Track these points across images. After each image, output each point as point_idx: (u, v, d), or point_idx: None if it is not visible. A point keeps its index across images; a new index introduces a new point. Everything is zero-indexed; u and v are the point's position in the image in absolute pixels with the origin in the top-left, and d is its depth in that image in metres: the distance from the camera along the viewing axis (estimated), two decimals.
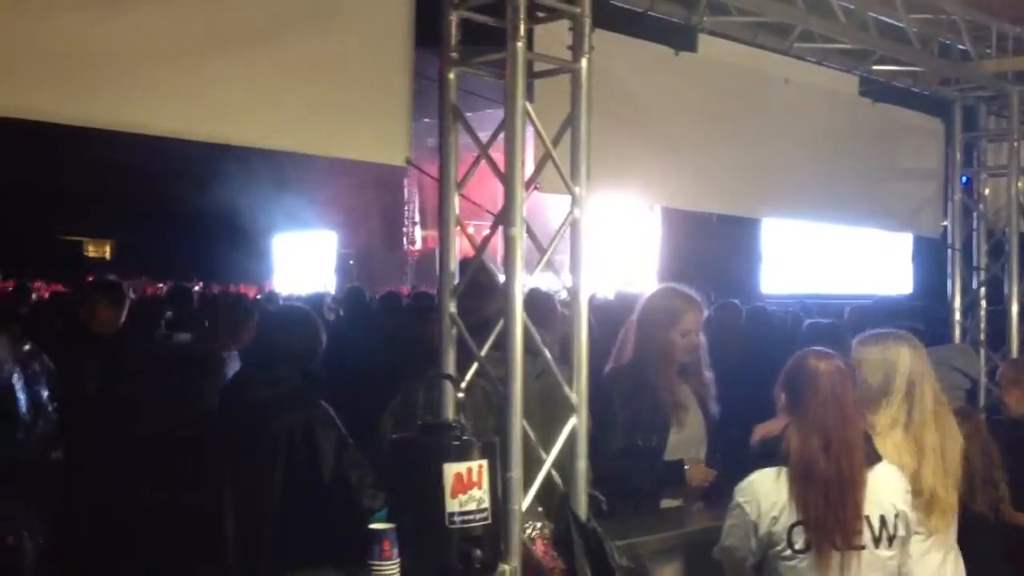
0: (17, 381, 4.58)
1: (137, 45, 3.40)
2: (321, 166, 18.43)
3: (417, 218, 25.91)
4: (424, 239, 26.00)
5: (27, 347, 4.75)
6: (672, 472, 4.16)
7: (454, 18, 3.75)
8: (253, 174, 19.79)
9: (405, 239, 25.91)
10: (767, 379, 3.43)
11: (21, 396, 4.57)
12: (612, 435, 4.08)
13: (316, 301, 11.17)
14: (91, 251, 28.19)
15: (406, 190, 25.56)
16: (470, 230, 3.77)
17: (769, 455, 3.25)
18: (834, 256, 18.59)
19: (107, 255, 28.38)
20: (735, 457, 4.29)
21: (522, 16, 3.47)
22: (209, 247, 23.09)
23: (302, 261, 28.00)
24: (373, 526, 3.22)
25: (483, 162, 3.74)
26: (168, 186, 21.33)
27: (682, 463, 4.16)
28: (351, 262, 25.67)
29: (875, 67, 5.75)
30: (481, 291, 3.84)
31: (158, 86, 3.43)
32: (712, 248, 15.07)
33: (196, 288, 14.88)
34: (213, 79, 3.51)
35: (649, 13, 4.55)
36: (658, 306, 4.30)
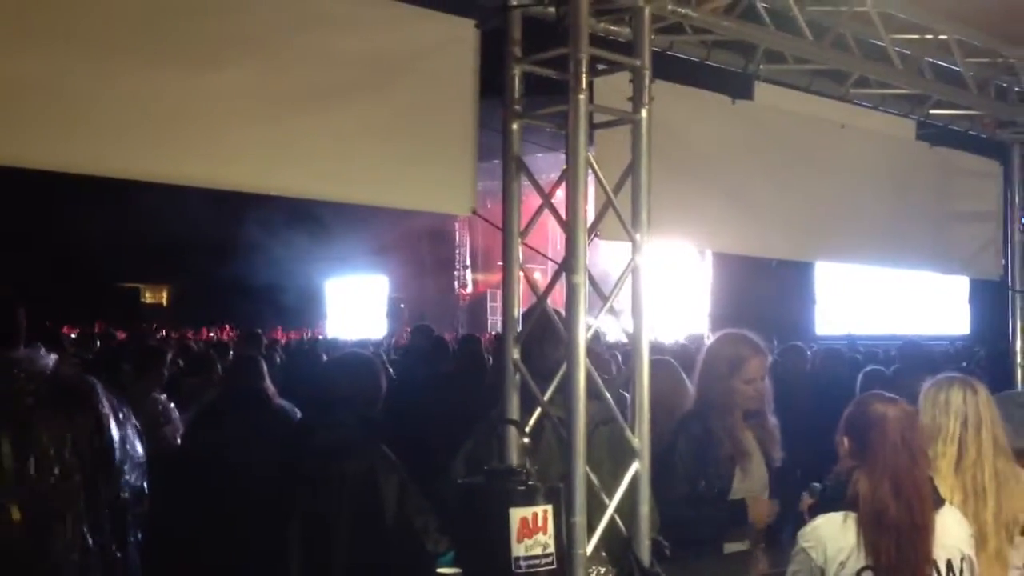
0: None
1: (215, 103, 3.52)
2: (372, 211, 18.66)
3: (468, 262, 26.13)
4: (475, 283, 26.17)
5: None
6: (735, 512, 4.14)
7: (517, 72, 3.85)
8: (304, 219, 20.12)
9: (456, 283, 26.13)
10: (835, 423, 3.43)
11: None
12: (676, 481, 4.08)
13: (363, 345, 11.28)
14: (148, 298, 28.75)
15: (457, 234, 25.81)
16: (536, 275, 3.81)
17: (833, 500, 3.25)
18: (889, 297, 18.43)
19: (163, 301, 28.91)
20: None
21: (584, 70, 3.56)
22: (262, 293, 23.42)
23: (353, 306, 28.29)
24: (441, 570, 3.27)
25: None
26: (221, 233, 21.73)
27: (744, 502, 4.14)
28: (402, 306, 25.87)
29: (932, 111, 5.75)
30: (546, 337, 3.88)
31: (235, 142, 3.55)
32: (765, 291, 15.01)
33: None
34: (287, 135, 3.62)
35: (706, 63, 4.62)
36: (722, 353, 4.29)
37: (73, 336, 11.49)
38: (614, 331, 7.85)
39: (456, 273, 26.25)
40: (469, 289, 26.35)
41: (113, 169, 3.53)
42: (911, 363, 6.60)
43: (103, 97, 3.36)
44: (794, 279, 16.64)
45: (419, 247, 23.98)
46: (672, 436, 4.16)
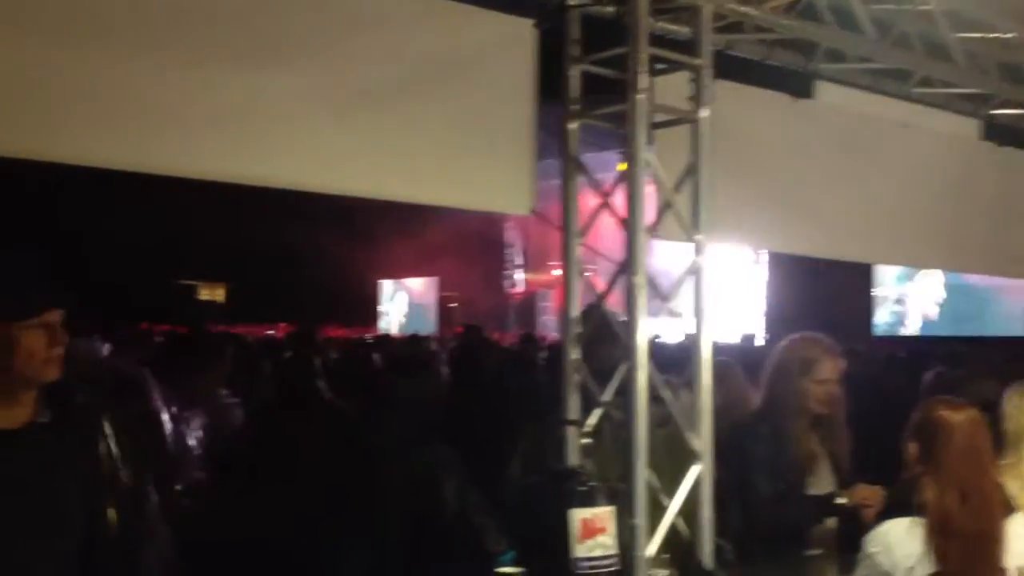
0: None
1: (276, 103, 3.56)
2: (422, 212, 18.76)
3: (518, 262, 26.13)
4: (525, 283, 26.17)
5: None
6: (823, 506, 4.03)
7: (575, 71, 3.85)
8: (357, 219, 20.27)
9: (506, 283, 26.14)
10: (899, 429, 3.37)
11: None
12: (757, 482, 3.98)
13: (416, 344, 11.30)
14: (205, 294, 29.17)
15: (508, 235, 25.83)
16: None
17: (900, 505, 3.20)
18: (950, 296, 18.15)
19: (221, 298, 29.31)
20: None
21: (643, 69, 3.54)
22: (316, 291, 23.66)
23: (404, 305, 28.47)
24: (503, 570, 3.28)
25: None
26: (276, 232, 21.98)
27: (832, 495, 4.01)
28: (452, 305, 25.96)
29: (996, 111, 5.64)
30: (605, 337, 3.87)
31: (297, 142, 3.59)
32: (822, 291, 14.83)
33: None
34: (348, 135, 3.65)
35: (766, 62, 4.58)
36: (794, 354, 4.19)
37: (133, 331, 11.64)
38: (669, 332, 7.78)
39: (506, 273, 26.27)
40: (519, 289, 26.36)
41: (177, 168, 3.58)
42: (976, 366, 6.46)
43: (167, 97, 3.41)
44: (852, 279, 16.38)
45: (469, 247, 24.02)
46: (739, 438, 4.08)
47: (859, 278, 17.22)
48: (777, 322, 16.39)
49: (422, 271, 26.88)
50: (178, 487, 4.70)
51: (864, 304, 17.82)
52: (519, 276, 26.21)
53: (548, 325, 24.54)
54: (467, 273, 24.34)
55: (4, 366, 2.43)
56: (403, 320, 28.26)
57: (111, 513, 2.67)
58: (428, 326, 24.72)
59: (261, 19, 3.56)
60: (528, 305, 25.66)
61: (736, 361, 5.05)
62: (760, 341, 14.94)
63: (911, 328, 18.31)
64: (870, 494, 3.84)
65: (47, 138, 3.26)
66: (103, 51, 3.28)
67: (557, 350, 4.71)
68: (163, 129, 3.43)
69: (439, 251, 23.73)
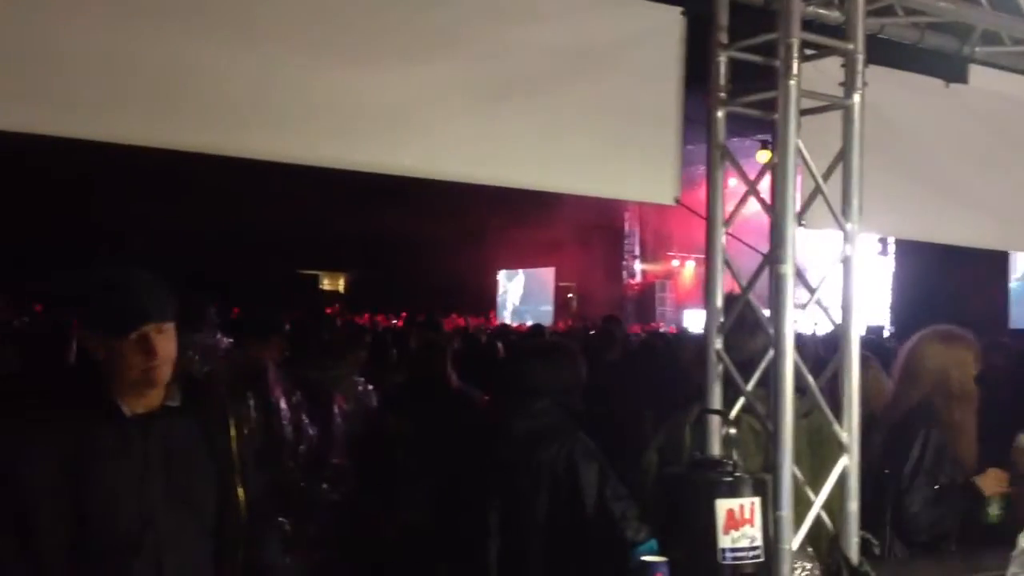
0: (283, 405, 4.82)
1: (424, 95, 3.62)
2: (541, 201, 18.79)
3: (637, 252, 26.01)
4: (643, 273, 26.04)
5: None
6: (968, 495, 3.99)
7: (723, 58, 3.80)
8: (475, 209, 20.46)
9: (625, 273, 26.05)
10: None
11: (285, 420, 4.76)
12: (920, 481, 3.95)
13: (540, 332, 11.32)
14: (327, 284, 29.85)
15: (627, 225, 25.73)
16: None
17: None
18: None
19: (340, 288, 29.94)
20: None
21: (795, 55, 3.48)
22: (435, 281, 23.97)
23: (523, 296, 28.61)
24: (646, 558, 3.28)
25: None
26: (395, 221, 22.33)
27: (972, 483, 3.97)
28: (570, 295, 25.99)
29: None
30: (746, 327, 3.83)
31: (445, 133, 3.65)
32: (953, 282, 14.31)
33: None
34: (495, 126, 3.69)
35: (919, 45, 4.44)
36: (937, 348, 4.16)
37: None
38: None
39: (624, 263, 26.16)
40: (637, 279, 26.22)
41: (325, 158, 3.66)
42: None
43: (317, 91, 3.50)
44: (985, 270, 15.76)
45: (588, 237, 24.01)
46: (898, 434, 4.02)
47: (994, 270, 16.56)
48: (905, 314, 15.90)
49: (540, 261, 26.97)
50: (294, 474, 4.80)
51: (1000, 296, 17.12)
52: (637, 267, 26.10)
53: (666, 316, 24.38)
54: (585, 262, 24.34)
55: (120, 376, 2.59)
56: (516, 305, 28.39)
57: (240, 493, 2.78)
58: (544, 316, 24.81)
59: (410, 14, 3.61)
60: (647, 296, 25.52)
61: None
62: (886, 333, 14.55)
63: None
64: (998, 479, 3.94)
65: (181, 128, 3.34)
66: (252, 48, 3.36)
67: (685, 340, 4.66)
68: (309, 120, 3.52)
69: (557, 240, 23.80)
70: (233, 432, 2.80)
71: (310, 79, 3.48)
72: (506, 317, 26.82)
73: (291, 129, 3.51)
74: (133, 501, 2.57)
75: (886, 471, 3.98)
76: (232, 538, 2.77)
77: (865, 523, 3.63)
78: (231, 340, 4.82)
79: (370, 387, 5.84)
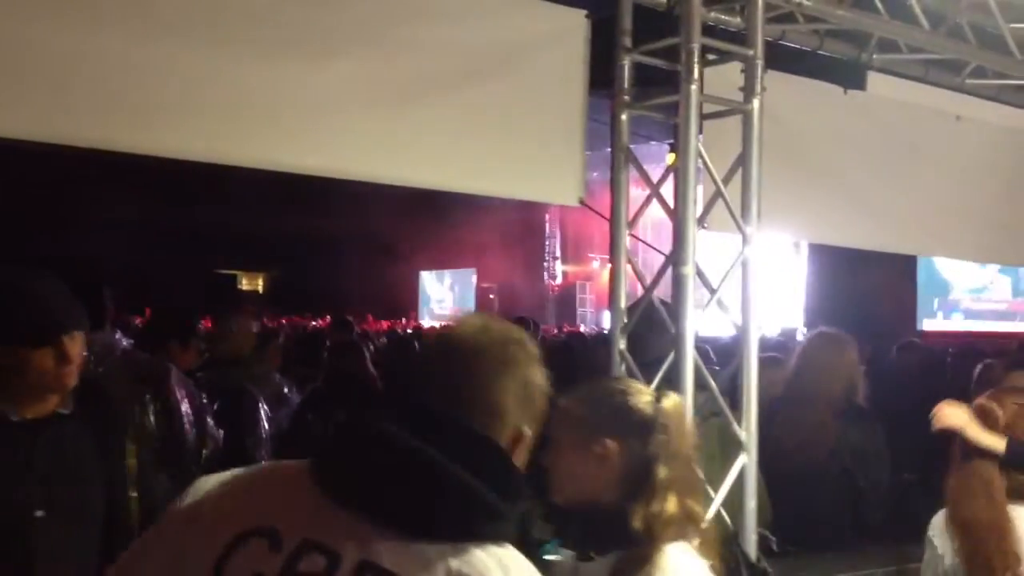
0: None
1: (328, 93, 3.59)
2: (463, 202, 18.76)
3: (558, 253, 26.13)
4: (564, 275, 26.17)
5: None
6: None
7: (627, 62, 3.85)
8: (397, 210, 20.34)
9: (546, 274, 26.15)
10: None
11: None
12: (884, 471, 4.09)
13: None
14: (245, 284, 29.40)
15: (548, 226, 25.82)
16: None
17: None
18: (1002, 291, 17.91)
19: (259, 288, 29.51)
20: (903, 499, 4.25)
21: (696, 60, 3.54)
22: (356, 282, 23.78)
23: (443, 295, 28.56)
24: (549, 557, 3.29)
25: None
26: (315, 222, 22.11)
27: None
28: (492, 296, 26.01)
29: None
30: (650, 328, 3.87)
31: (348, 132, 3.62)
32: (864, 284, 14.65)
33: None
34: (399, 125, 3.67)
35: (818, 52, 4.54)
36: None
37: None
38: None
39: (546, 264, 26.28)
40: (558, 280, 26.35)
41: (228, 157, 3.61)
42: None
43: (218, 87, 3.44)
44: (895, 272, 16.17)
45: (508, 239, 24.04)
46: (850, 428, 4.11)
47: (903, 271, 17.00)
48: (817, 315, 16.24)
49: (461, 262, 26.94)
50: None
51: (908, 298, 17.60)
52: (559, 268, 26.22)
53: (586, 317, 24.54)
54: (506, 264, 24.37)
55: (17, 382, 2.51)
56: (442, 312, 28.36)
57: (133, 502, 2.71)
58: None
59: (314, 11, 3.58)
60: (568, 296, 25.66)
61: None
62: (800, 335, 14.83)
63: (963, 323, 18.14)
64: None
65: (105, 127, 3.29)
66: (157, 42, 3.30)
67: (602, 342, 4.70)
68: (215, 120, 3.46)
69: (478, 241, 23.77)
70: (128, 437, 2.74)
71: (215, 77, 3.42)
72: (426, 318, 26.75)
73: (194, 127, 3.45)
74: (6, 508, 2.50)
75: None
76: (122, 546, 2.70)
77: None
78: (130, 340, 4.69)
79: (290, 388, 5.79)
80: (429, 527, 1.34)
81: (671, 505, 2.07)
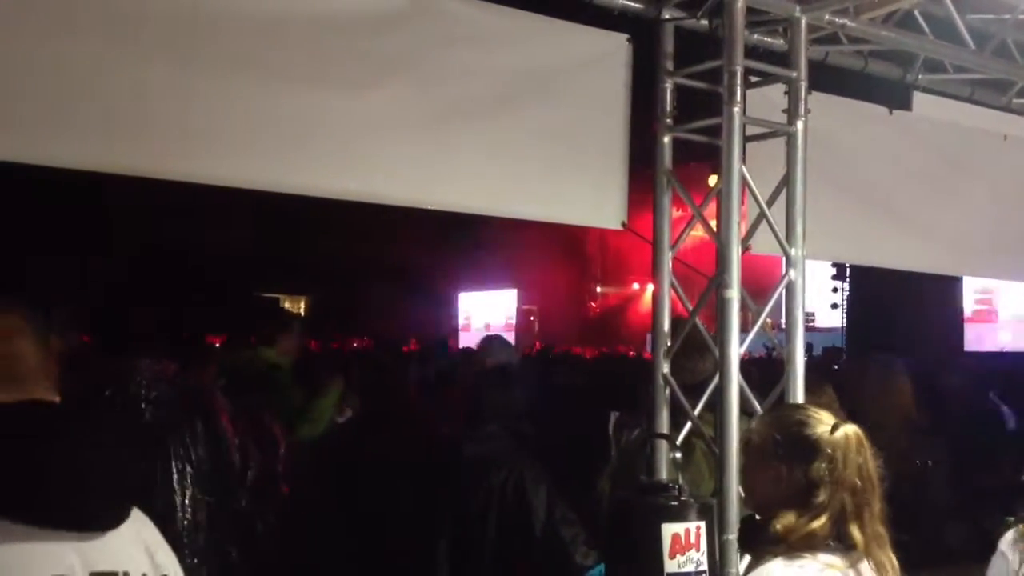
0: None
1: (373, 120, 3.60)
2: (505, 224, 18.80)
3: (599, 276, 26.12)
4: (605, 296, 26.14)
5: None
6: None
7: (669, 84, 3.85)
8: (440, 232, 20.44)
9: (587, 296, 26.16)
10: None
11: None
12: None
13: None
14: (287, 307, 29.56)
15: (588, 248, 25.82)
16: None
17: None
18: None
19: (302, 311, 29.67)
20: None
21: (739, 82, 3.53)
22: (396, 304, 23.85)
23: (485, 317, 28.59)
24: None
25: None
26: (360, 245, 22.23)
27: None
28: (532, 318, 26.02)
29: None
30: (693, 351, 3.86)
31: (392, 158, 3.63)
32: (906, 305, 14.48)
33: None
34: (443, 151, 3.68)
35: (863, 72, 4.50)
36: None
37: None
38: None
39: (587, 287, 26.28)
40: (598, 302, 26.33)
41: (277, 184, 3.64)
42: None
43: (268, 116, 3.47)
44: (938, 293, 15.96)
45: (550, 261, 24.05)
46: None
47: (948, 291, 16.78)
48: (858, 337, 16.08)
49: (502, 283, 26.97)
50: (243, 500, 4.72)
51: (954, 318, 17.38)
52: (599, 290, 26.20)
53: (626, 339, 24.49)
54: (547, 286, 24.37)
55: None
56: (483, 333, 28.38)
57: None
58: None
59: (358, 40, 3.59)
60: (607, 319, 25.61)
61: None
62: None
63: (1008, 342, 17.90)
64: None
65: (150, 156, 3.33)
66: (207, 74, 3.34)
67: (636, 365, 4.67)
68: (260, 145, 3.49)
69: (519, 264, 23.81)
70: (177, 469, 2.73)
71: (261, 105, 3.46)
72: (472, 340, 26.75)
73: (240, 154, 3.48)
74: None
75: None
76: None
77: None
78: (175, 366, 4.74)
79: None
80: None
81: (818, 524, 2.28)
